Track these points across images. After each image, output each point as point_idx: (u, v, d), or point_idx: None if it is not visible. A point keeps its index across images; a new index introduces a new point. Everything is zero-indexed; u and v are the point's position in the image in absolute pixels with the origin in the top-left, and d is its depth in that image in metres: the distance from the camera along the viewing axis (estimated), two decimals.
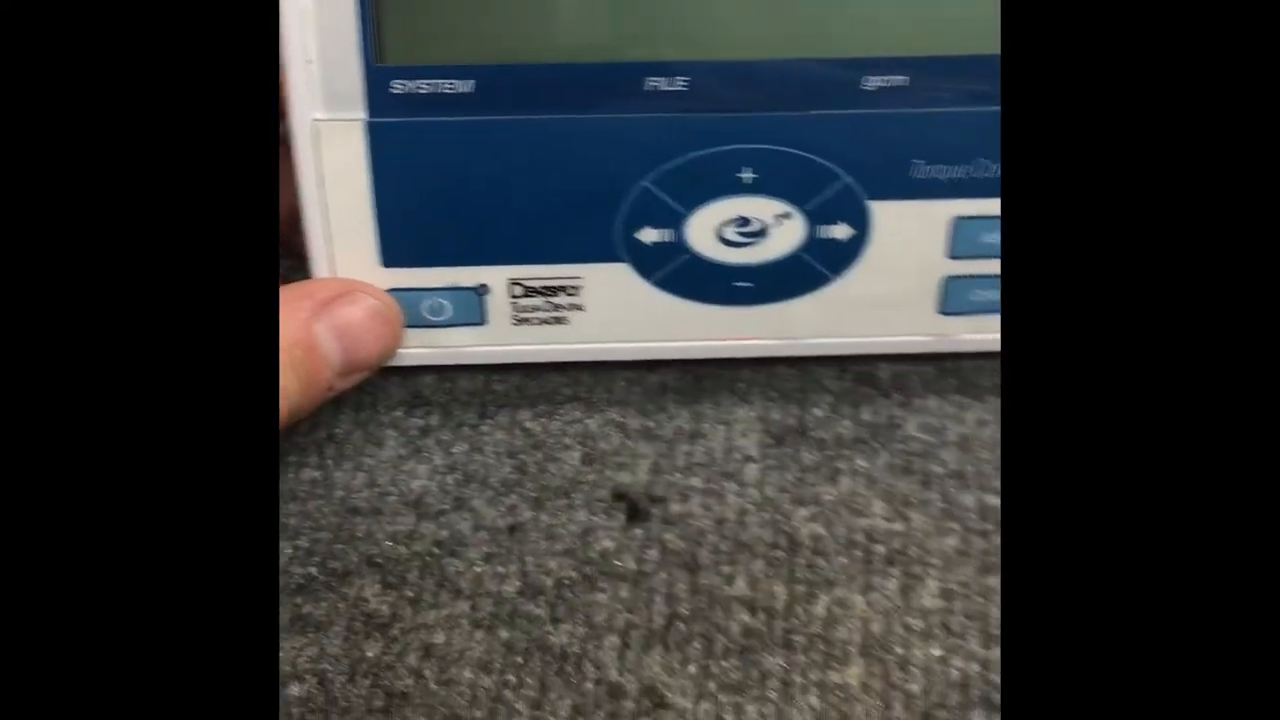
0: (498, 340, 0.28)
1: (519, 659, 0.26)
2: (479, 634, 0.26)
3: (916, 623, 0.26)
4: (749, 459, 0.29)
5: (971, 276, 0.28)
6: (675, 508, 0.28)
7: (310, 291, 0.27)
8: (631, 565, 0.27)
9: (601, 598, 0.27)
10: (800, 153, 0.26)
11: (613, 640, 0.26)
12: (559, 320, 0.28)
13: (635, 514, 0.28)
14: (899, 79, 0.26)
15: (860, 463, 0.29)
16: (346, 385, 0.27)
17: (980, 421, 0.30)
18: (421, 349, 0.28)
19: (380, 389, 0.30)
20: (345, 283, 0.27)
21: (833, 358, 0.30)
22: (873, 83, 0.26)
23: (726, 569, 0.27)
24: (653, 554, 0.28)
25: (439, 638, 0.26)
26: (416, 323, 0.28)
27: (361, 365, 0.27)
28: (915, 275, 0.28)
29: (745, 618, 0.27)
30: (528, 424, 0.30)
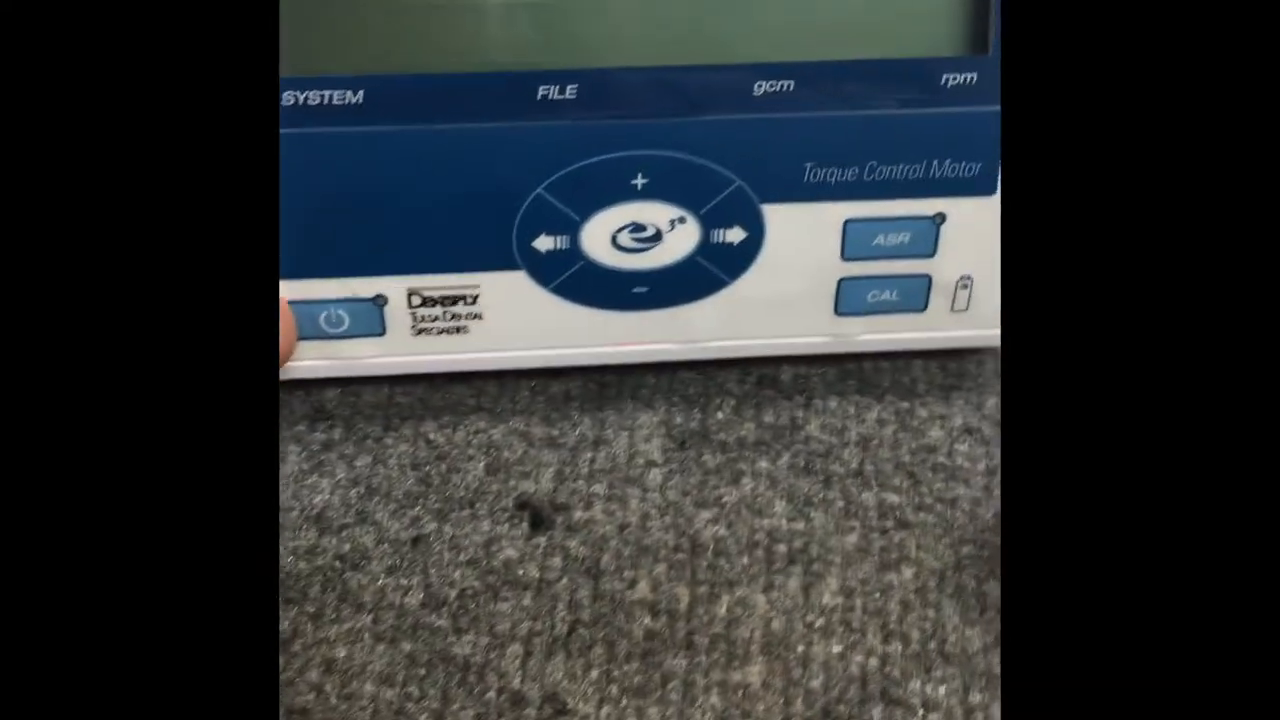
0: (398, 350, 0.28)
1: (421, 671, 0.26)
2: (381, 647, 0.26)
3: (817, 620, 0.27)
4: (652, 464, 0.29)
5: (865, 278, 0.28)
6: (578, 515, 0.28)
7: None
8: (534, 574, 0.27)
9: (504, 607, 0.27)
10: (692, 158, 0.27)
11: (515, 649, 0.26)
12: (459, 329, 0.28)
13: (539, 522, 0.28)
14: (786, 84, 0.26)
15: (762, 464, 0.29)
16: None
17: (880, 421, 0.30)
18: (321, 361, 0.28)
19: (283, 404, 0.30)
20: None
21: (736, 362, 0.31)
22: (761, 88, 0.26)
23: (629, 574, 0.27)
24: (556, 561, 0.28)
25: (340, 652, 0.26)
26: (315, 334, 0.28)
27: None
28: (810, 277, 0.28)
29: (647, 621, 0.27)
30: (432, 435, 0.30)
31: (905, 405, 0.30)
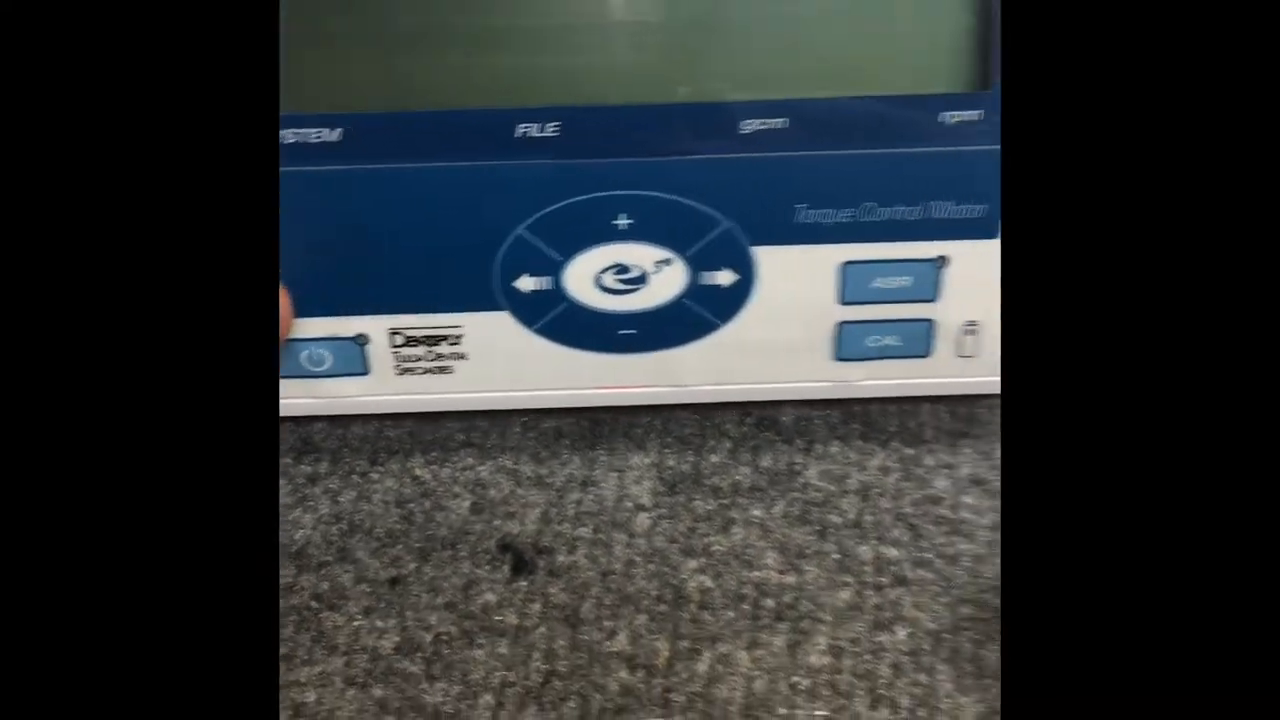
0: (381, 390, 0.28)
1: (391, 718, 0.25)
2: (351, 692, 0.26)
3: (802, 681, 0.26)
4: (640, 508, 0.28)
5: (865, 322, 0.27)
6: (561, 559, 0.28)
7: None
8: (513, 620, 0.27)
9: (479, 654, 0.26)
10: (677, 198, 0.26)
11: (487, 699, 0.26)
12: (443, 369, 0.28)
13: (520, 566, 0.28)
14: (778, 122, 0.25)
15: (755, 512, 0.28)
16: None
17: (883, 469, 0.29)
18: (304, 399, 0.28)
19: None
20: None
21: (735, 402, 0.30)
22: (750, 126, 0.25)
23: (609, 624, 0.27)
24: (535, 608, 0.27)
25: (310, 696, 0.26)
26: (297, 373, 0.28)
27: None
28: (806, 321, 0.27)
29: (624, 675, 0.26)
30: (418, 471, 0.29)
31: (911, 452, 0.29)
